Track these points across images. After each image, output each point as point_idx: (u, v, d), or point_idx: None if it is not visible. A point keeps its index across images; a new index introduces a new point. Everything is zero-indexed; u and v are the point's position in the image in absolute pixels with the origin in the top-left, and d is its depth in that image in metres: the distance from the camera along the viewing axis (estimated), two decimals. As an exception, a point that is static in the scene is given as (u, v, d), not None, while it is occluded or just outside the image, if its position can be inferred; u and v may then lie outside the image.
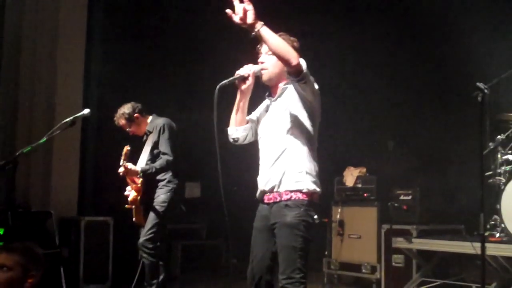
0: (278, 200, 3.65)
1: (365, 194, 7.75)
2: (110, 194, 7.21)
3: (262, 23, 3.47)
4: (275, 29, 3.57)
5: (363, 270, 7.53)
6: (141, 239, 5.82)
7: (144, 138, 6.17)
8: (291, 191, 3.61)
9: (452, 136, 7.73)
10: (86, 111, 5.01)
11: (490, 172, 6.20)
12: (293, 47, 3.65)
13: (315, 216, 3.64)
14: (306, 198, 3.61)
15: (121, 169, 5.74)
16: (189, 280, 8.18)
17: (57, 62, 8.02)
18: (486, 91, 4.48)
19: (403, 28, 8.59)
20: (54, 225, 7.16)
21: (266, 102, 3.95)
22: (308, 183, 3.63)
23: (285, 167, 3.64)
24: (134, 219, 5.99)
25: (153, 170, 5.87)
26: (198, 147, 8.28)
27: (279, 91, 3.81)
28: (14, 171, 4.50)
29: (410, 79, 8.54)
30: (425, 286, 6.72)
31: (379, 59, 8.71)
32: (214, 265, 8.80)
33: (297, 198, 3.59)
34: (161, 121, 6.08)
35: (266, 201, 3.74)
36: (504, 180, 6.01)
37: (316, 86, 3.71)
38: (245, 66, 3.79)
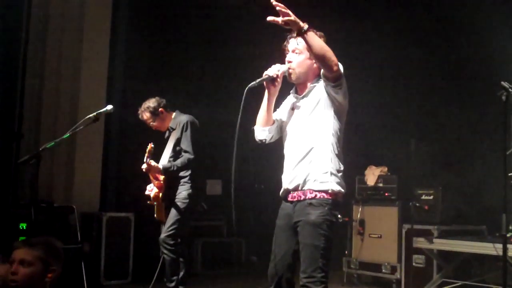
0: (302, 198, 3.64)
1: (386, 194, 7.71)
2: (132, 190, 7.25)
3: (307, 24, 3.43)
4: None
5: (383, 270, 7.50)
6: (162, 235, 5.84)
7: (167, 134, 6.19)
8: (316, 191, 3.60)
9: (475, 135, 7.67)
10: (109, 107, 5.02)
11: (514, 173, 6.15)
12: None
13: (339, 216, 3.63)
14: (330, 198, 3.60)
15: (144, 166, 5.78)
16: (209, 277, 8.20)
17: (82, 58, 8.06)
18: (510, 90, 4.45)
19: (426, 26, 8.54)
20: (76, 220, 7.19)
21: (291, 99, 3.93)
22: (333, 184, 3.62)
23: (311, 167, 3.63)
24: (155, 215, 6.02)
25: (175, 168, 5.90)
26: (220, 144, 8.30)
27: (307, 90, 3.78)
28: (37, 166, 4.53)
29: (434, 78, 8.49)
30: (446, 287, 6.68)
31: (402, 57, 8.66)
32: (234, 262, 8.82)
33: (321, 196, 3.59)
34: (184, 118, 6.10)
35: (289, 199, 3.74)
36: (527, 181, 5.95)
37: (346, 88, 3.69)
38: (273, 66, 3.77)
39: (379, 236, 7.63)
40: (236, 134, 3.58)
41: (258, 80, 3.70)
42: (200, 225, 8.63)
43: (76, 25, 8.15)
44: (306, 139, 3.69)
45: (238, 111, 3.57)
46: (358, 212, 7.86)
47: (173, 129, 6.10)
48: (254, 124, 3.96)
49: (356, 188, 8.08)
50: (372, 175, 7.95)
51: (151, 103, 6.14)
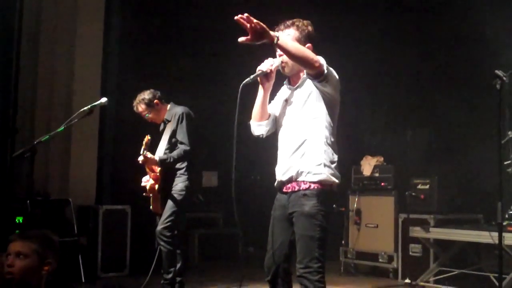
0: (296, 189, 3.64)
1: (382, 183, 7.73)
2: (128, 182, 7.22)
3: (277, 34, 3.45)
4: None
5: (380, 259, 7.53)
6: (159, 227, 5.84)
7: (162, 126, 6.17)
8: (310, 182, 3.60)
9: (470, 125, 7.67)
10: (104, 99, 5.01)
11: (509, 161, 6.16)
12: (308, 31, 3.68)
13: (334, 206, 3.63)
14: (324, 188, 3.60)
15: (140, 158, 5.76)
16: (206, 269, 8.20)
17: (76, 51, 8.03)
18: (505, 78, 4.45)
19: (421, 13, 8.52)
20: (72, 213, 7.20)
21: (284, 90, 3.93)
22: (327, 176, 3.62)
23: (304, 159, 3.63)
24: (151, 207, 6.01)
25: (171, 159, 5.88)
26: (216, 136, 8.31)
27: (300, 80, 3.78)
28: (32, 159, 4.51)
29: (429, 67, 8.48)
30: (443, 276, 6.71)
31: (396, 47, 8.65)
32: (231, 254, 8.82)
33: (315, 187, 3.58)
34: (179, 109, 6.08)
35: (284, 190, 3.74)
36: (523, 169, 5.97)
37: (337, 77, 3.68)
38: (266, 61, 3.75)
39: (376, 226, 7.66)
40: (235, 132, 3.57)
41: (252, 76, 3.68)
42: (197, 216, 8.63)
43: (70, 19, 8.11)
44: (299, 131, 3.68)
45: (233, 103, 3.58)
46: (354, 202, 7.87)
47: (168, 121, 6.09)
48: (250, 118, 3.96)
49: (352, 178, 8.10)
50: (368, 165, 7.96)
51: (146, 95, 6.12)
